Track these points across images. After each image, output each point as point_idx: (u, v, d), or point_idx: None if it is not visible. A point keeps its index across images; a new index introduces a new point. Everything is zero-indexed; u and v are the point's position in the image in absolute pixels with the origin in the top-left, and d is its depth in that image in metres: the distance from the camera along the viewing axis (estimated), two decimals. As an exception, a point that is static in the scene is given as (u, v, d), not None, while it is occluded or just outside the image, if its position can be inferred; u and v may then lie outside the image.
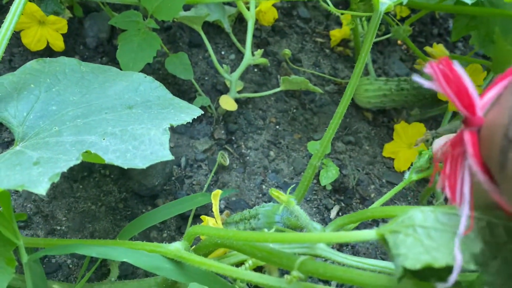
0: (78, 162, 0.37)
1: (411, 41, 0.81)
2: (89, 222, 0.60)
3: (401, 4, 0.52)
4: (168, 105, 0.53)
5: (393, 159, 0.78)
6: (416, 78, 0.30)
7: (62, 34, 0.74)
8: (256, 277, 0.42)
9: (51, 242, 0.47)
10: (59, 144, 0.45)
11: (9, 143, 0.65)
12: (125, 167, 0.39)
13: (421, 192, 0.75)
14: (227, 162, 0.69)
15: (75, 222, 0.59)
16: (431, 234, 0.31)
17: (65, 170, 0.36)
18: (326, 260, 0.45)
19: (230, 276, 0.42)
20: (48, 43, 0.74)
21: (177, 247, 0.46)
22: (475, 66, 0.77)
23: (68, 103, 0.51)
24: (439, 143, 0.41)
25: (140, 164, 0.40)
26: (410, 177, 0.51)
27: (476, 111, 0.30)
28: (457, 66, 0.30)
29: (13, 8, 0.50)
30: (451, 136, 0.40)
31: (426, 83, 0.30)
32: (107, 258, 0.39)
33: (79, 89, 0.53)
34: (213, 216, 0.56)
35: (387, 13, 0.94)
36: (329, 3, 0.62)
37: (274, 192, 0.55)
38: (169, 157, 0.41)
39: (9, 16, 0.50)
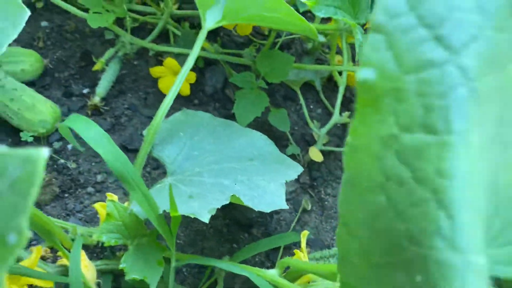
0: (228, 202, 0.53)
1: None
2: (200, 240, 0.76)
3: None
4: (277, 160, 0.68)
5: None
6: None
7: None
8: (336, 307, 0.55)
9: (191, 257, 0.63)
10: (202, 183, 0.61)
11: (146, 177, 0.83)
12: (256, 209, 0.54)
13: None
14: (309, 207, 0.83)
15: (190, 238, 0.75)
16: None
17: (218, 206, 0.52)
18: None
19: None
20: (176, 88, 0.92)
21: (273, 273, 0.60)
22: None
23: (205, 150, 0.68)
24: None
25: (265, 209, 0.55)
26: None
27: None
28: None
29: (184, 68, 0.67)
30: None
31: None
32: (232, 271, 0.54)
33: (213, 139, 0.70)
34: (295, 249, 0.70)
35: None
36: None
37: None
38: (285, 206, 0.56)
39: (180, 75, 0.67)
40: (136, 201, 0.51)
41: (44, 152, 0.21)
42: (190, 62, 0.67)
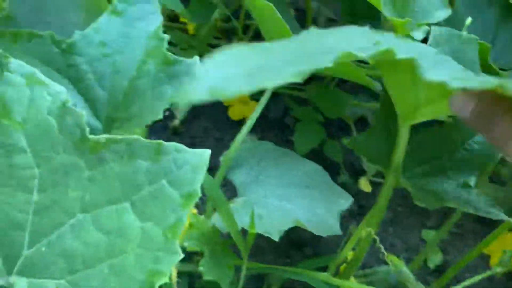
0: (292, 226, 0.64)
1: None
2: (260, 253, 0.87)
3: None
4: (330, 188, 0.78)
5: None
6: None
7: (253, 111, 1.05)
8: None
9: (259, 266, 0.74)
10: (268, 204, 0.72)
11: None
12: (316, 234, 0.65)
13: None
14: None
15: (251, 251, 0.87)
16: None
17: (286, 228, 0.63)
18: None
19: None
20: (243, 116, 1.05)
21: (326, 274, 0.71)
22: None
23: (269, 175, 0.79)
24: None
25: (323, 234, 0.66)
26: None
27: None
28: None
29: (259, 105, 0.79)
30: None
31: None
32: (294, 278, 0.65)
33: (275, 167, 0.81)
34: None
35: None
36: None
37: (390, 256, 0.77)
38: (339, 232, 0.66)
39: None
40: (221, 217, 0.63)
41: (208, 152, 0.41)
42: (263, 100, 0.79)
